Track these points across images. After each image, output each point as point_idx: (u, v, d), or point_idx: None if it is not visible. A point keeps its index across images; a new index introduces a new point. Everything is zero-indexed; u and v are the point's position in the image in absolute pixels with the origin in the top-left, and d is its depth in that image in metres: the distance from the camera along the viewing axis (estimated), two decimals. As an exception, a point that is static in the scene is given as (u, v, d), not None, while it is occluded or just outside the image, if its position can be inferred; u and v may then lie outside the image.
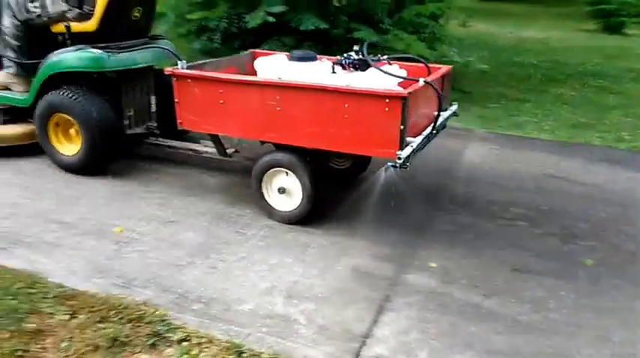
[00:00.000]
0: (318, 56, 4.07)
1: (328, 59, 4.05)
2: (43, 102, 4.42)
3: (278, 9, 7.05)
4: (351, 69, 3.81)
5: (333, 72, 3.78)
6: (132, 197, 4.05)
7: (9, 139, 4.67)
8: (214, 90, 3.73)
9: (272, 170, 3.79)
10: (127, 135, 4.56)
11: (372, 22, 7.63)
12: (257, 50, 4.85)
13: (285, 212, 3.82)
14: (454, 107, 4.21)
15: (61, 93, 4.32)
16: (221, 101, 3.71)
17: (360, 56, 3.87)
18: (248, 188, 3.96)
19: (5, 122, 4.70)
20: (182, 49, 7.04)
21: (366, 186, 4.24)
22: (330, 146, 3.55)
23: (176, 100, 3.86)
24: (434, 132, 3.62)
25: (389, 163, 3.31)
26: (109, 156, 4.51)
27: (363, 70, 3.79)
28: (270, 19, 7.01)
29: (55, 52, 4.38)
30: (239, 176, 4.49)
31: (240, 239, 3.55)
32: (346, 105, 3.39)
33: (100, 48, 4.32)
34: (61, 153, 4.51)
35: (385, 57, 4.04)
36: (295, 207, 3.78)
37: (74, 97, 4.27)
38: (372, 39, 6.91)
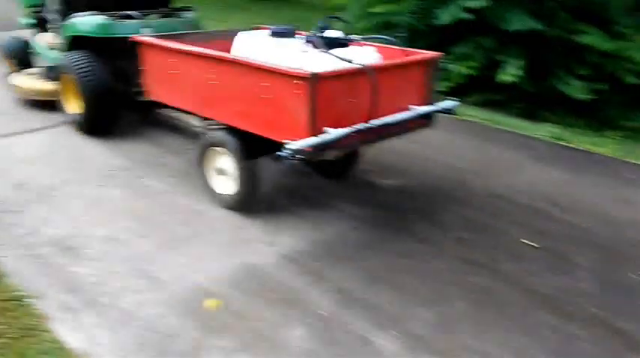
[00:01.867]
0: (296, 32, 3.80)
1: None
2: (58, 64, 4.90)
3: (477, 3, 5.80)
4: (320, 47, 3.47)
5: (305, 51, 3.50)
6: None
7: (49, 94, 5.22)
8: (167, 60, 3.75)
9: (211, 149, 3.66)
10: (139, 102, 4.55)
11: (602, 22, 5.98)
12: (261, 25, 4.58)
13: (225, 196, 3.65)
14: (448, 103, 3.66)
15: (68, 56, 4.71)
16: (171, 71, 3.73)
17: (330, 34, 3.57)
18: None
19: (53, 79, 5.15)
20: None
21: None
22: (250, 127, 3.35)
23: (141, 68, 3.95)
24: (390, 128, 3.26)
25: (278, 152, 2.98)
26: (104, 117, 4.77)
27: (330, 48, 3.44)
28: (466, 15, 5.87)
29: (70, 17, 4.71)
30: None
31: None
32: (262, 84, 3.17)
33: (110, 15, 4.49)
34: (70, 112, 4.90)
35: (360, 37, 3.76)
36: (234, 191, 3.59)
37: (75, 60, 4.61)
38: (603, 46, 5.55)
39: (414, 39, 6.09)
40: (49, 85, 5.27)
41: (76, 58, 4.66)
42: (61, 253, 3.25)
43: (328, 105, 2.99)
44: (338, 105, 3.07)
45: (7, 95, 5.83)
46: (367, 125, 3.14)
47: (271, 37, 3.69)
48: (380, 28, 6.86)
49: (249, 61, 3.25)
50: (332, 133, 2.99)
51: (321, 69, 3.03)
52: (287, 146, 2.89)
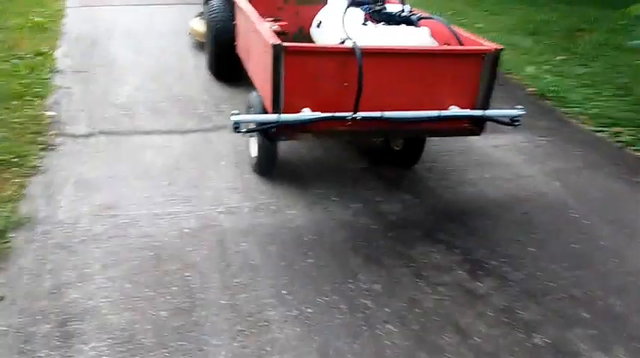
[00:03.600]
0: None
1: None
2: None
3: None
4: (373, 21, 3.42)
5: (364, 24, 3.42)
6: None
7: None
8: (240, 18, 4.20)
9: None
10: None
11: None
12: None
13: (253, 158, 3.83)
14: (507, 111, 3.21)
15: (208, 4, 5.14)
16: (241, 28, 4.08)
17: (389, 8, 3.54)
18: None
19: None
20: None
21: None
22: (261, 94, 3.34)
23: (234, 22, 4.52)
24: (399, 125, 3.04)
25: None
26: (226, 63, 5.05)
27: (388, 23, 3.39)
28: None
29: None
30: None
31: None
32: (262, 50, 3.08)
33: None
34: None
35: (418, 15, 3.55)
36: (255, 156, 3.76)
37: (210, 11, 5.06)
38: None
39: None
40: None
41: (211, 4, 5.11)
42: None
43: (307, 84, 2.85)
44: (324, 86, 2.89)
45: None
46: (350, 115, 2.90)
47: (346, 5, 3.55)
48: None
49: (259, 25, 3.22)
50: (305, 116, 2.87)
51: (352, 44, 2.87)
52: (231, 116, 2.87)
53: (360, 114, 2.91)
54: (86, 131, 4.29)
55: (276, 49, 2.73)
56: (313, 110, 2.88)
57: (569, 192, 3.96)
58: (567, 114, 5.40)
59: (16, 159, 3.71)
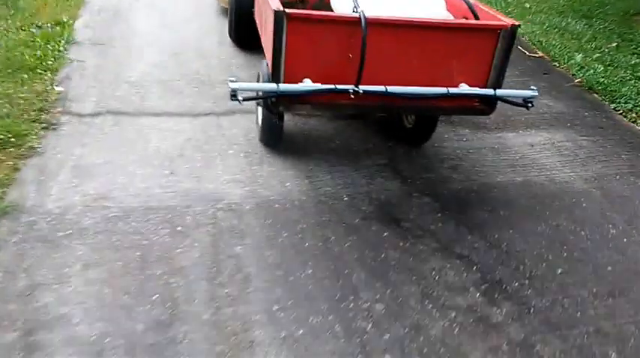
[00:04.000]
0: None
1: None
2: None
3: None
4: None
5: None
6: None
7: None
8: None
9: None
10: None
11: None
12: None
13: (259, 126, 3.83)
14: (520, 92, 3.13)
15: None
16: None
17: None
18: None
19: None
20: None
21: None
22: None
23: None
24: (403, 100, 2.91)
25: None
26: (241, 33, 5.08)
27: None
28: None
29: None
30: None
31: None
32: (265, 16, 3.11)
33: None
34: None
35: None
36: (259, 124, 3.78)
37: None
38: None
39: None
40: None
41: None
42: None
43: (310, 54, 2.76)
44: (327, 57, 2.77)
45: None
46: (352, 88, 2.77)
47: None
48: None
49: None
50: (306, 87, 2.77)
51: (359, 13, 2.72)
52: (229, 82, 2.79)
53: (363, 88, 2.78)
54: (93, 110, 4.09)
55: (278, 15, 2.62)
56: (315, 81, 2.77)
57: (610, 203, 3.55)
58: (616, 110, 4.92)
59: (14, 139, 3.52)
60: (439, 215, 3.28)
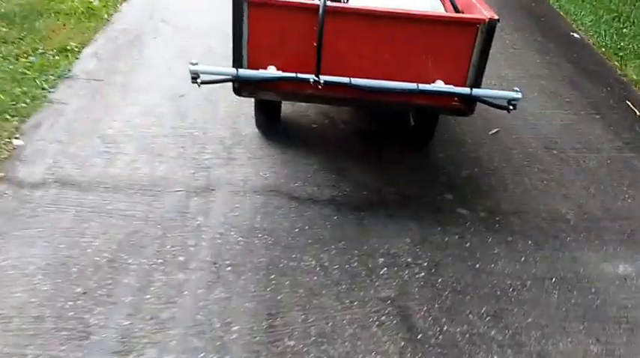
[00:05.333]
0: None
1: None
2: None
3: None
4: None
5: None
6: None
7: None
8: None
9: None
10: None
11: None
12: None
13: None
14: (500, 92, 2.93)
15: None
16: None
17: None
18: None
19: None
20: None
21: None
22: None
23: None
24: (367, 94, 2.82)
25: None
26: None
27: None
28: None
29: None
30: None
31: None
32: None
33: None
34: None
35: None
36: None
37: None
38: None
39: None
40: None
41: None
42: None
43: (273, 41, 2.78)
44: (292, 44, 2.77)
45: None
46: (312, 78, 2.73)
47: None
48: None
49: None
50: (269, 74, 2.78)
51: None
52: (189, 65, 2.79)
53: (324, 79, 2.74)
54: (41, 177, 3.27)
55: (237, 1, 2.65)
56: (280, 69, 2.79)
57: None
58: None
59: None
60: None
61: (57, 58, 4.71)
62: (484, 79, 2.84)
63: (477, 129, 4.12)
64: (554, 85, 4.97)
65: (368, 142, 3.91)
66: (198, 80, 2.81)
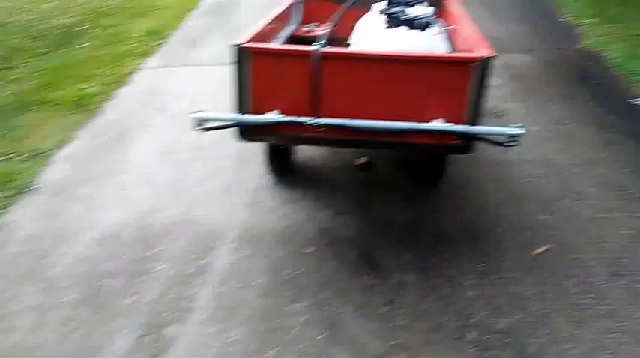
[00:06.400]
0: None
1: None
2: None
3: None
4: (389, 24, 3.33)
5: (388, 27, 3.34)
6: None
7: None
8: None
9: None
10: None
11: None
12: None
13: None
14: (501, 129, 2.83)
15: None
16: None
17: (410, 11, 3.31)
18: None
19: None
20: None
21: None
22: None
23: None
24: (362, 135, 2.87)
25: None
26: None
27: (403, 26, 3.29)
28: None
29: None
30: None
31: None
32: None
33: None
34: None
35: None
36: None
37: None
38: None
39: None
40: None
41: None
42: None
43: (275, 87, 2.85)
44: (293, 89, 2.82)
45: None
46: (309, 120, 2.80)
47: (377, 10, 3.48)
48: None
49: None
50: (270, 118, 2.84)
51: (316, 47, 2.76)
52: (192, 114, 2.89)
53: (320, 121, 2.80)
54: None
55: (237, 49, 2.76)
56: (284, 113, 2.85)
57: None
58: None
59: None
60: None
61: (24, 164, 4.15)
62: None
63: (517, 246, 3.24)
64: (617, 174, 3.97)
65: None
66: (205, 125, 2.88)
